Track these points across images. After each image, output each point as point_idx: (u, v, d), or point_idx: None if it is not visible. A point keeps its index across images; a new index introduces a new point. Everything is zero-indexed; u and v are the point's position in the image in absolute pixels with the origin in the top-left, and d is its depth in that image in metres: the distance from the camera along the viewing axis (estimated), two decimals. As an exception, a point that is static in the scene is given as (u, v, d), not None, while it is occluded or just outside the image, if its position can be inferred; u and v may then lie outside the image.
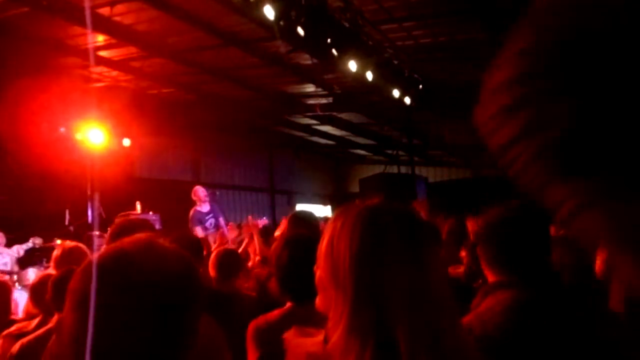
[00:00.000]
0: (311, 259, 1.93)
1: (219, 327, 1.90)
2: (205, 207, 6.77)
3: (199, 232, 6.41)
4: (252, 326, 1.83)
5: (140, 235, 0.85)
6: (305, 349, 1.11)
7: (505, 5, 5.93)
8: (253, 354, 1.79)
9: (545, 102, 0.40)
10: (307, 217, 3.38)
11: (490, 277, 1.49)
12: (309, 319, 1.87)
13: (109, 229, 2.07)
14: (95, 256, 0.81)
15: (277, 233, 4.09)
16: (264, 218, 6.62)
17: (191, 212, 6.68)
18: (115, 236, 1.79)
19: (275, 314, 1.88)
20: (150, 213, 7.88)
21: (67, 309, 0.79)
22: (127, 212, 7.37)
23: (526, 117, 0.41)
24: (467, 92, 9.31)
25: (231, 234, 5.42)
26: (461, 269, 2.81)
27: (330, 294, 0.94)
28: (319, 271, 1.00)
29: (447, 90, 8.88)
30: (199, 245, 3.18)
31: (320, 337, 1.03)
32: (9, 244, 6.98)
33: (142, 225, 1.92)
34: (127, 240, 0.83)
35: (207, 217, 6.69)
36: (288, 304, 1.92)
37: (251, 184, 14.54)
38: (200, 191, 6.84)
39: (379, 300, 0.86)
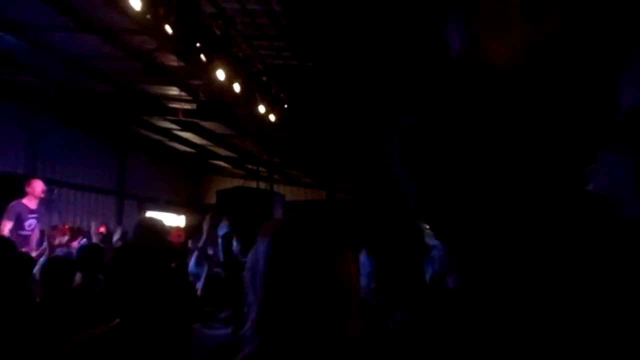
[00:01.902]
0: (144, 273, 1.82)
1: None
2: (33, 204, 5.98)
3: (5, 227, 5.63)
4: (72, 341, 1.70)
5: None
6: (215, 340, 1.16)
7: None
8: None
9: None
10: (154, 226, 3.19)
11: None
12: (137, 337, 1.75)
13: None
14: None
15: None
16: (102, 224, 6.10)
17: (13, 203, 5.85)
18: None
19: (97, 330, 1.75)
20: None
21: None
22: None
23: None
24: (329, 118, 9.83)
25: (60, 238, 4.90)
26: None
27: (248, 297, 1.04)
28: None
29: (311, 113, 9.24)
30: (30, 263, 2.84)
31: (228, 330, 1.09)
32: None
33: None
34: None
35: (29, 216, 5.91)
36: (116, 320, 1.79)
37: (97, 184, 13.33)
38: (38, 186, 6.04)
39: (285, 300, 0.97)
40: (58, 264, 3.05)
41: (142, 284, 1.81)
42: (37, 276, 3.12)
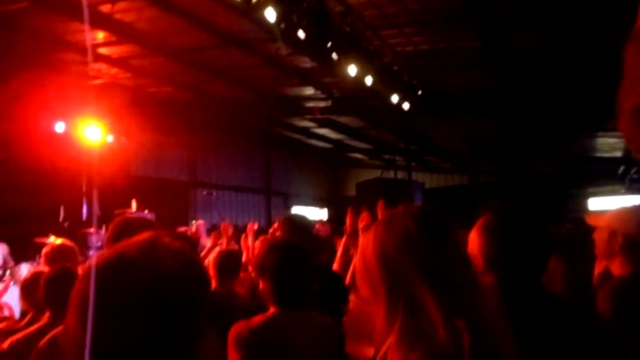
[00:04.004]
0: (297, 266, 1.94)
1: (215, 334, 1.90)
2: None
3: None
4: (232, 331, 1.82)
5: (143, 236, 0.81)
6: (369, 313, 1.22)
7: (499, 15, 5.99)
8: (232, 358, 1.77)
9: None
10: (301, 221, 3.36)
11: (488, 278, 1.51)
12: (293, 326, 1.87)
13: (105, 226, 2.03)
14: (94, 259, 0.78)
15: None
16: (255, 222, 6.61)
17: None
18: (116, 237, 1.78)
19: (257, 319, 1.86)
20: (146, 211, 7.85)
21: (70, 314, 0.77)
22: (123, 210, 7.35)
23: None
24: (465, 98, 9.38)
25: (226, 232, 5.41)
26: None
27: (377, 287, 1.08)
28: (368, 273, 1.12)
29: (446, 96, 8.91)
30: (194, 243, 3.18)
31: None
32: (3, 240, 6.95)
33: (143, 224, 1.91)
34: (129, 243, 0.80)
35: None
36: (271, 309, 1.90)
37: (248, 184, 14.52)
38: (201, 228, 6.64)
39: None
40: (230, 256, 3.37)
41: (294, 276, 1.93)
42: (211, 268, 3.43)
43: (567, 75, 7.85)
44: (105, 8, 6.32)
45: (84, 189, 8.02)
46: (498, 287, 1.44)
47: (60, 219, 7.59)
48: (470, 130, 11.33)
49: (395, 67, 7.40)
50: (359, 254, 1.12)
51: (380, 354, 1.03)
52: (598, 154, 13.30)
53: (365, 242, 1.11)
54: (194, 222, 6.70)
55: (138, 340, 0.74)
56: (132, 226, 1.84)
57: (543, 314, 1.40)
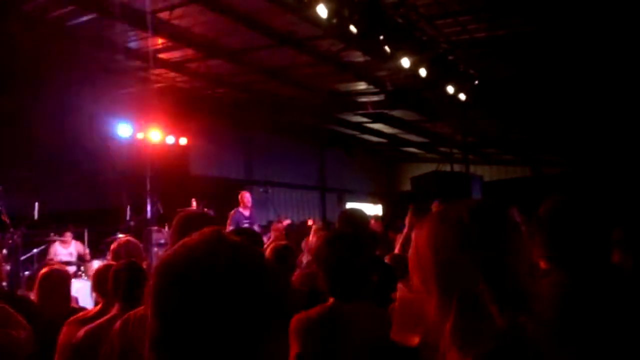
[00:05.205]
0: (354, 257, 1.94)
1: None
2: (246, 212, 7.16)
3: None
4: (293, 321, 1.85)
5: (207, 230, 0.83)
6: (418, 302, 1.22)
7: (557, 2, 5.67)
8: (293, 349, 1.80)
9: None
10: (357, 216, 3.36)
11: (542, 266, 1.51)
12: (351, 316, 1.87)
13: (167, 224, 2.11)
14: (165, 255, 0.82)
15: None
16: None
17: (232, 212, 7.08)
18: (179, 231, 1.86)
19: (316, 309, 1.88)
20: (205, 210, 8.12)
21: (148, 311, 0.80)
22: (183, 209, 7.64)
23: None
24: (524, 87, 8.98)
25: (278, 233, 5.57)
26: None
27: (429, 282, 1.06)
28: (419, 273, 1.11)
29: (504, 86, 8.57)
30: (260, 239, 3.25)
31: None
32: (76, 237, 7.42)
33: (203, 218, 1.98)
34: (194, 239, 0.82)
35: (244, 221, 7.02)
36: (330, 300, 1.92)
37: (302, 182, 14.67)
38: (246, 197, 7.25)
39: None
40: (282, 250, 3.44)
41: (351, 267, 1.94)
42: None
43: (630, 55, 7.28)
44: (164, 15, 6.57)
45: (147, 189, 8.40)
46: (562, 276, 1.42)
47: (127, 218, 8.00)
48: (531, 119, 10.84)
49: (451, 57, 7.20)
50: (412, 245, 1.10)
51: (432, 346, 1.01)
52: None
53: (419, 233, 1.09)
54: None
55: (212, 335, 0.75)
56: (194, 220, 1.92)
57: (608, 294, 1.38)
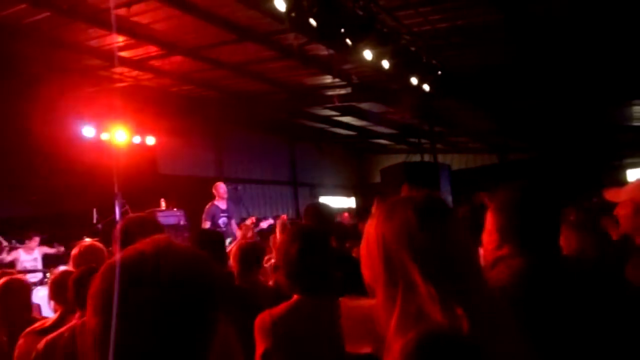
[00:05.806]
0: (319, 252, 1.95)
1: (231, 326, 1.93)
2: (222, 204, 6.86)
3: (206, 226, 6.51)
4: (258, 320, 1.85)
5: (158, 237, 0.86)
6: (361, 311, 1.22)
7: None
8: (259, 347, 1.80)
9: None
10: (323, 209, 3.38)
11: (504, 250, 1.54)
12: (317, 311, 1.88)
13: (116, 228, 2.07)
14: (115, 258, 0.83)
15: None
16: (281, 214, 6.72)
17: (208, 206, 6.81)
18: (125, 237, 1.83)
19: (281, 307, 1.89)
20: (175, 209, 8.02)
21: (90, 312, 0.81)
22: (152, 209, 7.52)
23: None
24: (488, 76, 9.14)
25: (246, 232, 5.49)
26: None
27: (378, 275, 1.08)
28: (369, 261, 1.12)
29: (467, 75, 8.71)
30: (221, 239, 3.22)
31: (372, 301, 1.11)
32: (42, 243, 7.23)
33: (149, 224, 1.95)
34: (146, 242, 0.84)
35: (221, 215, 6.80)
36: (295, 297, 1.92)
37: (274, 177, 14.62)
38: (221, 187, 6.94)
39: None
40: (251, 249, 3.41)
41: (315, 262, 1.94)
42: (232, 260, 3.48)
43: (596, 42, 7.52)
44: (122, 12, 6.41)
45: (115, 191, 8.22)
46: (514, 256, 1.47)
47: (94, 221, 7.83)
48: (496, 107, 11.07)
49: (413, 49, 7.27)
50: (363, 240, 1.12)
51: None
52: (635, 123, 12.80)
53: (368, 227, 1.11)
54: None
55: (157, 336, 0.77)
56: (140, 226, 1.90)
57: (565, 275, 1.42)
